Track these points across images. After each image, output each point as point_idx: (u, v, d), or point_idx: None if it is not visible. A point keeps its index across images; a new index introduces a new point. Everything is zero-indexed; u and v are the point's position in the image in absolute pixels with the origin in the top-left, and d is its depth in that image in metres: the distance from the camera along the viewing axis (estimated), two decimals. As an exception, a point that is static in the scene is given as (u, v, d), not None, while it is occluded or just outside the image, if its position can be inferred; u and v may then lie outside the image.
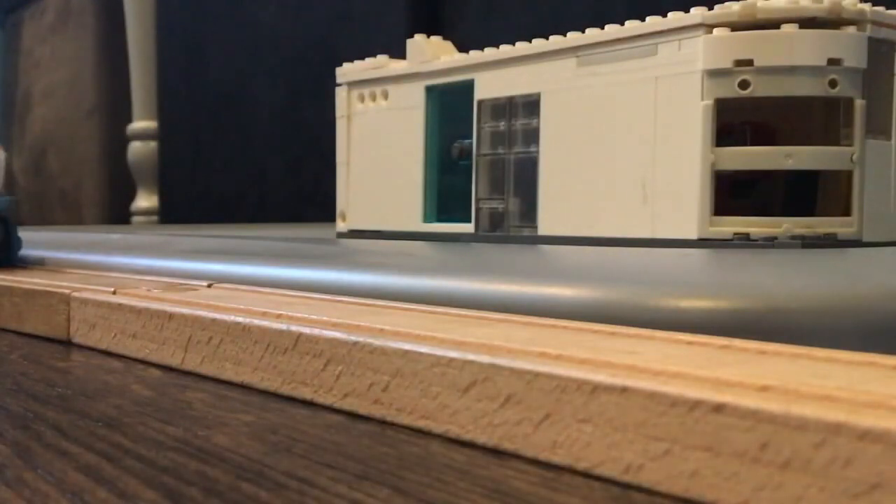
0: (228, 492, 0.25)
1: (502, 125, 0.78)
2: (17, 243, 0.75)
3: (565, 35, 0.73)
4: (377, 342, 0.34)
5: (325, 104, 1.03)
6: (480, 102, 0.79)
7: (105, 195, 2.74)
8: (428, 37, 0.86)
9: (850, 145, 0.63)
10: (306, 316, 0.41)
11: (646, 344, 0.34)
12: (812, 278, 0.47)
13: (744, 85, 0.62)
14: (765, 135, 0.66)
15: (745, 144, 0.65)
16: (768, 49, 0.62)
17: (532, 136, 0.75)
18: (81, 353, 0.49)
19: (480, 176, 0.80)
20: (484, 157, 0.79)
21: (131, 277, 0.63)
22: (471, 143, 0.80)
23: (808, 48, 0.62)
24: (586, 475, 0.26)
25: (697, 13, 0.64)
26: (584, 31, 0.71)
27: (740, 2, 0.63)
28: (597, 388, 0.26)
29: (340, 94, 0.94)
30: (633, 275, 0.50)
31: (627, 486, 0.25)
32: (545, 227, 0.74)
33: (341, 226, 0.94)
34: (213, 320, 0.42)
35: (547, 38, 0.74)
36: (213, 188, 2.23)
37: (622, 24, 0.69)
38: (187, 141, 2.33)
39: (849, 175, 0.64)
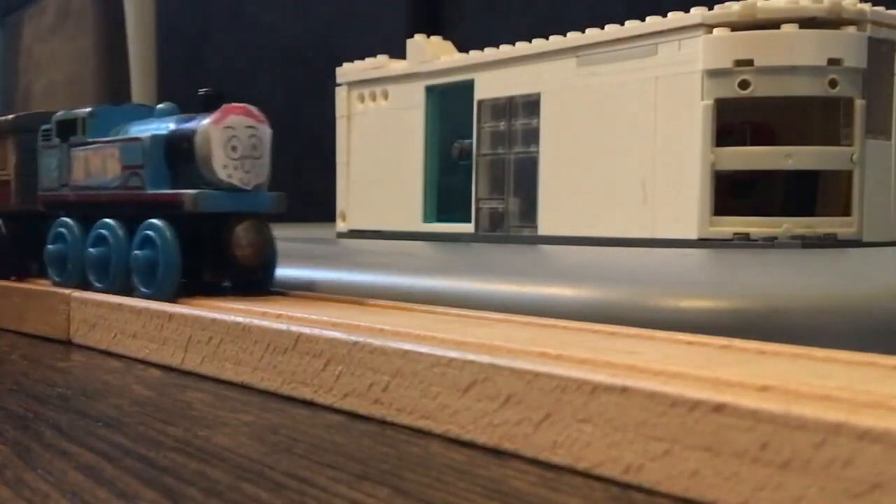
0: (228, 492, 0.25)
1: (502, 125, 0.78)
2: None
3: (565, 35, 0.73)
4: (377, 342, 0.34)
5: (325, 104, 1.03)
6: (480, 102, 0.79)
7: (105, 195, 2.74)
8: (428, 37, 0.86)
9: (850, 145, 0.63)
10: (306, 316, 0.41)
11: (646, 344, 0.34)
12: (812, 278, 0.47)
13: (744, 85, 0.62)
14: (765, 135, 0.66)
15: (745, 144, 0.65)
16: (768, 49, 0.62)
17: (532, 136, 0.75)
18: (81, 353, 0.49)
19: (480, 176, 0.80)
20: (484, 157, 0.79)
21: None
22: (471, 143, 0.80)
23: (808, 48, 0.62)
24: (586, 475, 0.26)
25: (697, 13, 0.64)
26: (584, 31, 0.72)
27: (740, 2, 0.63)
28: (597, 388, 0.26)
29: (340, 94, 0.94)
30: (633, 275, 0.50)
31: (627, 486, 0.25)
32: (545, 227, 0.74)
33: (341, 226, 0.94)
34: (213, 320, 0.42)
35: (547, 38, 0.74)
36: (213, 188, 2.23)
37: (622, 24, 0.69)
38: (187, 141, 2.33)
39: (849, 175, 0.64)
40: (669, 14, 0.66)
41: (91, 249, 0.52)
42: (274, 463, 0.28)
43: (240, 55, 2.14)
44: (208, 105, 0.49)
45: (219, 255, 0.48)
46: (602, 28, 0.70)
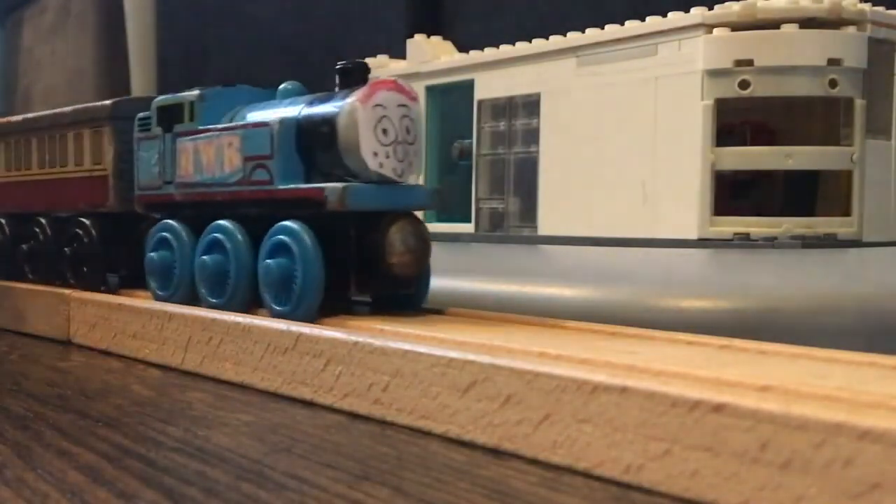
0: (228, 492, 0.25)
1: (502, 125, 0.78)
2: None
3: (565, 35, 0.73)
4: (377, 342, 0.34)
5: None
6: (480, 102, 0.79)
7: (105, 195, 2.73)
8: (428, 37, 0.86)
9: (850, 145, 0.63)
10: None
11: (646, 344, 0.34)
12: (812, 278, 0.47)
13: (744, 85, 0.62)
14: (765, 135, 0.66)
15: (745, 144, 0.65)
16: (768, 49, 0.62)
17: (532, 136, 0.75)
18: (81, 353, 0.49)
19: (480, 176, 0.80)
20: (484, 157, 0.79)
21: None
22: (471, 143, 0.80)
23: (808, 48, 0.62)
24: (586, 475, 0.26)
25: (697, 13, 0.64)
26: (584, 31, 0.72)
27: (740, 2, 0.63)
28: (597, 388, 0.26)
29: (340, 94, 0.94)
30: (633, 275, 0.50)
31: (627, 486, 0.25)
32: (545, 227, 0.74)
33: (341, 226, 0.94)
34: (213, 320, 0.42)
35: (547, 38, 0.74)
36: (213, 188, 2.23)
37: (622, 24, 0.69)
38: (187, 141, 2.33)
39: (849, 175, 0.64)
40: (669, 14, 0.66)
41: (204, 257, 0.44)
42: (274, 463, 0.28)
43: (240, 55, 2.14)
44: (346, 81, 0.41)
45: (366, 263, 0.39)
46: (602, 28, 0.70)
